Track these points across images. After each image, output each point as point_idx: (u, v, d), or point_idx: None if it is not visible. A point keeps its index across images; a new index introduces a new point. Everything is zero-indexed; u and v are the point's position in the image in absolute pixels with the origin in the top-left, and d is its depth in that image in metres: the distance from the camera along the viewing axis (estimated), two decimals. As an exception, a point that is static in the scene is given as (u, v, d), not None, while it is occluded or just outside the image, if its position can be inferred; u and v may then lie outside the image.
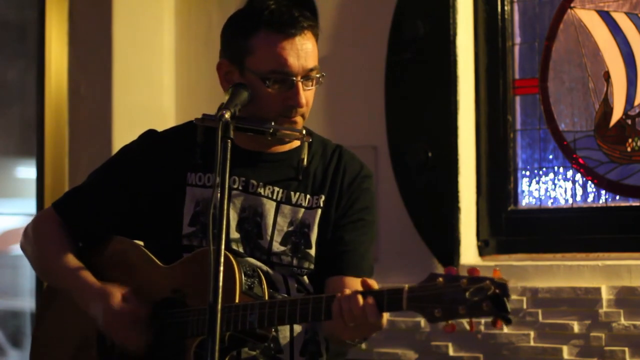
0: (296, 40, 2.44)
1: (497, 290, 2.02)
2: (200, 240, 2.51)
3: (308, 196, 2.54)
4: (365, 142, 4.08)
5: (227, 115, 2.28)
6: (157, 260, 2.54)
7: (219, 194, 2.21)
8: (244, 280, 2.36)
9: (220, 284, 2.13)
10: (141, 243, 2.63)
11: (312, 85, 2.49)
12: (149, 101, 4.49)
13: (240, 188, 2.51)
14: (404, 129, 4.02)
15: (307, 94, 2.48)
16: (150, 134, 2.65)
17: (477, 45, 4.00)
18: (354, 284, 2.45)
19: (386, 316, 2.28)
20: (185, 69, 4.57)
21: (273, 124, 2.44)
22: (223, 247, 2.16)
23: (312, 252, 2.52)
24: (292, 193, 2.54)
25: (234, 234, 2.50)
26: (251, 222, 2.52)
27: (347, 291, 2.22)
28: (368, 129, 4.10)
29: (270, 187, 2.53)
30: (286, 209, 2.53)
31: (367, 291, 2.21)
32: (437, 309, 2.08)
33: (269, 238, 2.51)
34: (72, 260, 2.60)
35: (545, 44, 3.91)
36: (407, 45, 4.00)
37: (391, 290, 2.17)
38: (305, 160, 2.55)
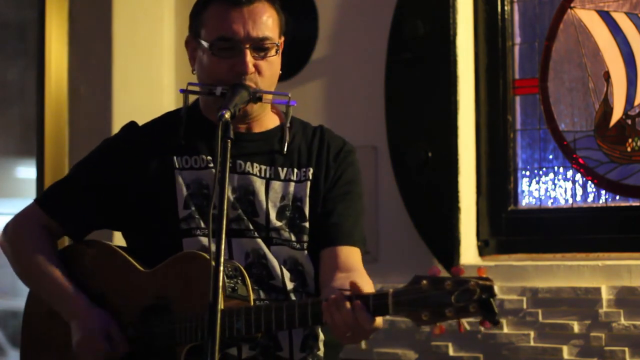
0: (244, 10, 2.46)
1: (483, 295, 2.01)
2: (197, 222, 2.50)
3: (295, 170, 2.56)
4: (365, 142, 4.07)
5: (227, 115, 2.28)
6: (138, 265, 2.52)
7: (218, 195, 2.21)
8: (226, 283, 2.35)
9: (220, 283, 2.13)
10: (121, 249, 2.60)
11: (264, 56, 2.48)
12: (149, 101, 4.49)
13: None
14: (404, 129, 4.01)
15: (260, 65, 2.48)
16: (132, 125, 2.65)
17: (477, 45, 4.00)
18: (347, 253, 2.49)
19: (380, 319, 2.27)
20: (185, 69, 4.56)
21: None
22: (223, 246, 2.16)
23: (308, 224, 2.53)
24: (280, 169, 2.55)
25: (232, 213, 2.49)
26: (244, 201, 2.52)
27: (333, 296, 2.20)
28: (368, 129, 4.10)
29: (258, 165, 2.54)
30: (276, 184, 2.53)
31: (353, 296, 2.19)
32: (424, 313, 2.07)
33: (264, 214, 2.51)
34: (52, 268, 2.58)
35: (545, 44, 3.91)
36: (407, 45, 4.00)
37: (376, 295, 2.16)
38: (288, 135, 2.56)
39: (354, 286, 2.20)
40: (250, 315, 2.29)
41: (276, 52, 2.50)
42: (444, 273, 3.90)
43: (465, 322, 2.08)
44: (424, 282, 2.08)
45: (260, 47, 2.47)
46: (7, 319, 5.61)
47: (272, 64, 2.50)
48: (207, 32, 2.49)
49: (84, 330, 2.48)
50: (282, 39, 2.54)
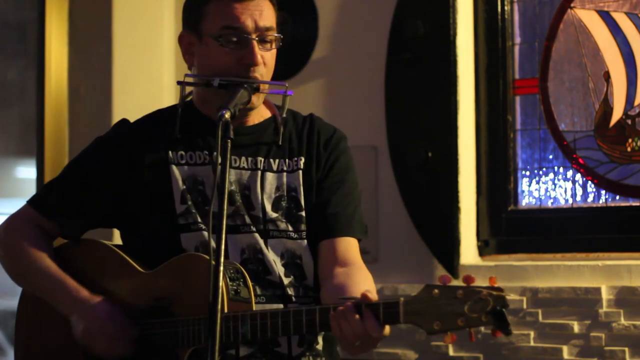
0: (248, 2, 2.47)
1: (497, 306, 2.01)
2: (195, 217, 2.50)
3: (287, 160, 2.55)
4: (365, 142, 4.07)
5: (227, 115, 2.29)
6: (137, 266, 2.51)
7: (218, 195, 2.21)
8: (229, 286, 2.35)
9: (221, 283, 2.13)
10: (118, 248, 2.58)
11: (270, 47, 2.50)
12: (149, 101, 4.49)
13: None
14: (404, 129, 4.01)
15: (265, 56, 2.49)
16: (123, 122, 2.65)
17: (477, 45, 4.00)
18: (345, 245, 2.48)
19: (388, 327, 2.24)
20: (185, 69, 4.56)
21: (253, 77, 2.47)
22: (223, 246, 2.16)
23: (304, 213, 2.53)
24: (272, 160, 2.55)
25: (228, 209, 2.47)
26: (240, 196, 2.52)
27: (341, 308, 2.18)
28: (368, 129, 4.10)
29: (252, 158, 2.54)
30: (270, 176, 2.53)
31: (362, 304, 2.17)
32: (435, 322, 2.07)
33: (260, 207, 2.51)
34: (50, 264, 2.56)
35: (545, 44, 3.91)
36: (407, 45, 4.00)
37: (387, 304, 2.14)
38: (281, 125, 2.56)
39: (364, 297, 2.18)
40: (256, 320, 2.29)
41: (277, 44, 2.51)
42: (445, 274, 3.93)
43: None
44: (436, 291, 2.07)
45: (265, 38, 2.48)
46: (7, 319, 5.59)
47: (274, 56, 2.52)
48: (211, 24, 2.48)
49: (90, 318, 2.46)
50: None
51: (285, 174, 2.54)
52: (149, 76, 4.56)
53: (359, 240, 2.56)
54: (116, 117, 4.41)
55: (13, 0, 5.31)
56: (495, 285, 2.03)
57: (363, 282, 2.39)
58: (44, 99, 4.58)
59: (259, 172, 2.53)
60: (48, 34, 4.59)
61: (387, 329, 2.18)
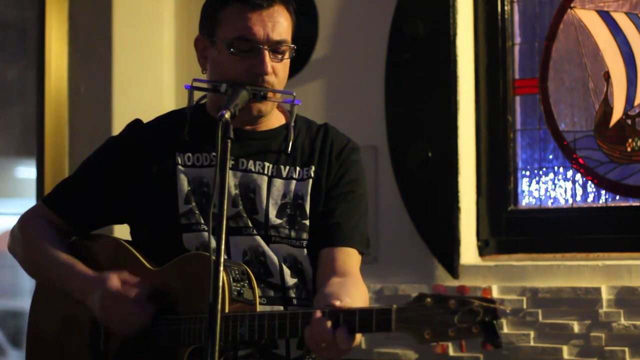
0: (263, 12, 2.47)
1: (486, 317, 2.02)
2: (197, 218, 2.51)
3: (298, 168, 2.56)
4: (365, 142, 4.07)
5: (227, 115, 2.29)
6: (145, 262, 2.53)
7: (219, 188, 2.22)
8: (233, 287, 2.36)
9: (221, 283, 2.14)
10: (128, 244, 2.61)
11: (281, 58, 2.51)
12: (149, 101, 4.49)
13: (230, 167, 2.51)
14: (404, 129, 4.02)
15: (276, 67, 2.50)
16: (136, 122, 2.67)
17: (477, 45, 4.00)
18: (344, 256, 2.49)
19: (359, 337, 2.26)
20: (185, 69, 4.57)
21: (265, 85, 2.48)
22: (223, 246, 2.16)
23: (308, 222, 2.53)
24: (282, 167, 2.56)
25: (231, 211, 2.50)
26: (245, 199, 2.53)
27: (318, 313, 2.20)
28: (368, 129, 4.10)
29: (260, 162, 2.55)
30: (278, 182, 2.54)
31: (338, 311, 2.19)
32: (426, 331, 2.07)
33: (264, 212, 2.51)
34: (64, 254, 2.60)
35: (545, 44, 3.91)
36: (407, 45, 4.00)
37: (380, 310, 2.15)
38: (292, 134, 2.57)
39: (332, 305, 2.20)
40: (254, 321, 2.29)
41: (290, 55, 2.52)
42: (445, 275, 3.93)
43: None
44: (428, 300, 2.07)
45: (277, 49, 2.49)
46: (7, 319, 5.61)
47: (286, 67, 2.54)
48: (225, 31, 2.49)
49: (105, 292, 2.46)
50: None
51: (294, 181, 2.55)
52: (149, 76, 4.56)
53: (361, 254, 2.56)
54: (116, 117, 4.42)
55: (13, 0, 5.31)
56: (489, 296, 2.04)
57: (353, 294, 2.39)
58: (44, 99, 4.58)
59: (266, 178, 2.54)
60: (48, 34, 4.59)
61: (357, 338, 2.20)
